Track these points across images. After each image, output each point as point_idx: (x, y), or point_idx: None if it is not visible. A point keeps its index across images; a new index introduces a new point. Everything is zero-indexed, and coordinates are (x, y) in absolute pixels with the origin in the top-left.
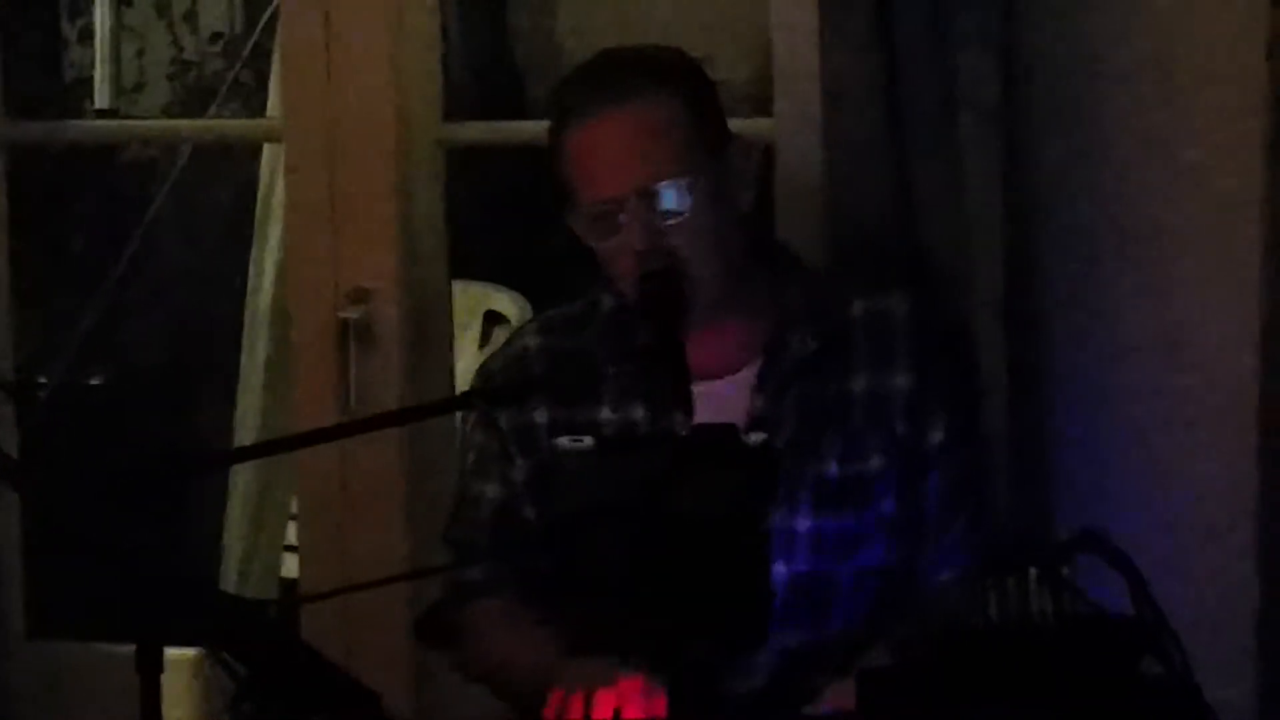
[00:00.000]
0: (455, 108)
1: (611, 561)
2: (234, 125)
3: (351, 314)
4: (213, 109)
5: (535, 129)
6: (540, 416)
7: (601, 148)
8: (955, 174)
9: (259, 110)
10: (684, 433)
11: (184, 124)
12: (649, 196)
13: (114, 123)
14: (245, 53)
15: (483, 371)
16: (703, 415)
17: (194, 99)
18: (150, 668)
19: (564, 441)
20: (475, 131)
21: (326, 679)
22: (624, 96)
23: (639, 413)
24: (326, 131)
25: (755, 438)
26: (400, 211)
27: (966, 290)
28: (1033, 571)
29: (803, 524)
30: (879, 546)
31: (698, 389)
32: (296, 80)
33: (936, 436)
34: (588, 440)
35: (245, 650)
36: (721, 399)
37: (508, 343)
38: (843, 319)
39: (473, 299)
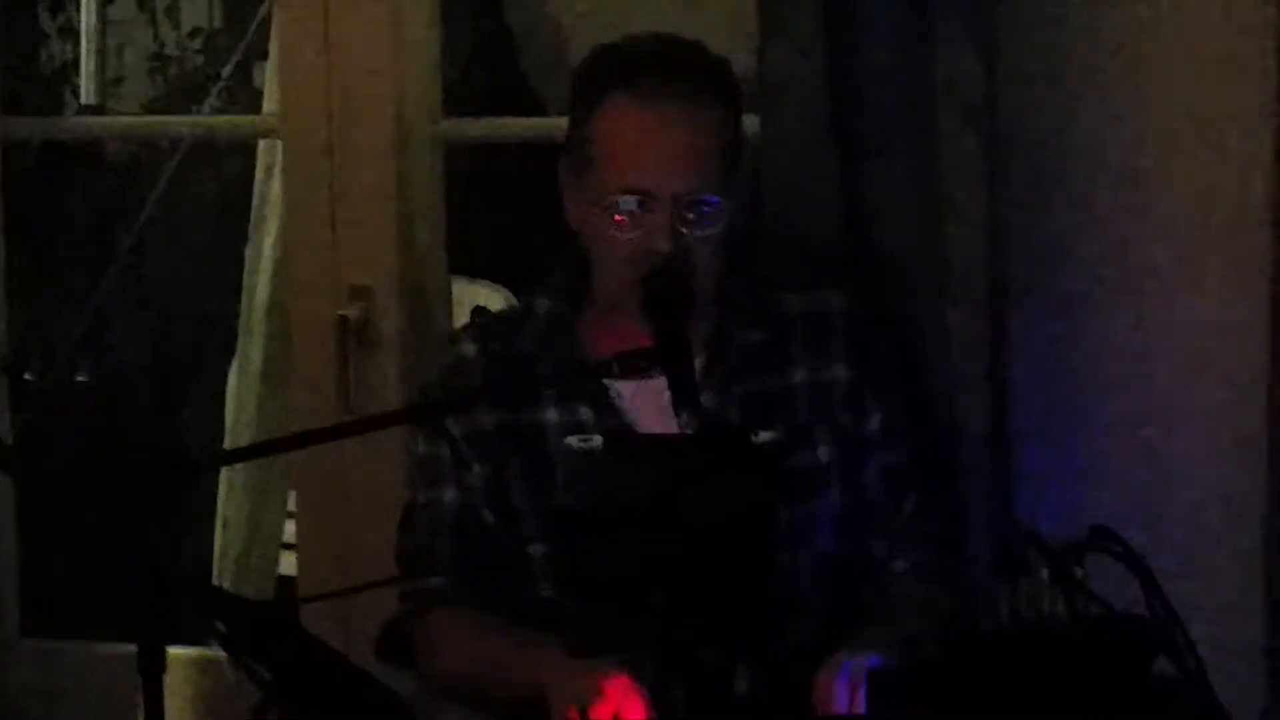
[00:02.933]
0: (454, 103)
1: (620, 563)
2: (231, 121)
3: (351, 311)
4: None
5: (534, 125)
6: (487, 423)
7: (656, 138)
8: (928, 176)
9: (244, 106)
10: (691, 432)
11: (182, 120)
12: (688, 204)
13: (110, 118)
14: (241, 47)
15: (423, 387)
16: (648, 409)
17: (175, 94)
18: (153, 668)
19: (572, 441)
20: (475, 128)
21: (352, 684)
22: (694, 96)
23: (585, 413)
24: (325, 127)
25: (764, 436)
26: (399, 208)
27: (939, 291)
28: (1044, 571)
29: None
30: (831, 537)
31: (643, 383)
32: (294, 76)
33: (875, 423)
34: (596, 440)
35: (269, 654)
36: (666, 393)
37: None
38: (782, 315)
39: (458, 294)
